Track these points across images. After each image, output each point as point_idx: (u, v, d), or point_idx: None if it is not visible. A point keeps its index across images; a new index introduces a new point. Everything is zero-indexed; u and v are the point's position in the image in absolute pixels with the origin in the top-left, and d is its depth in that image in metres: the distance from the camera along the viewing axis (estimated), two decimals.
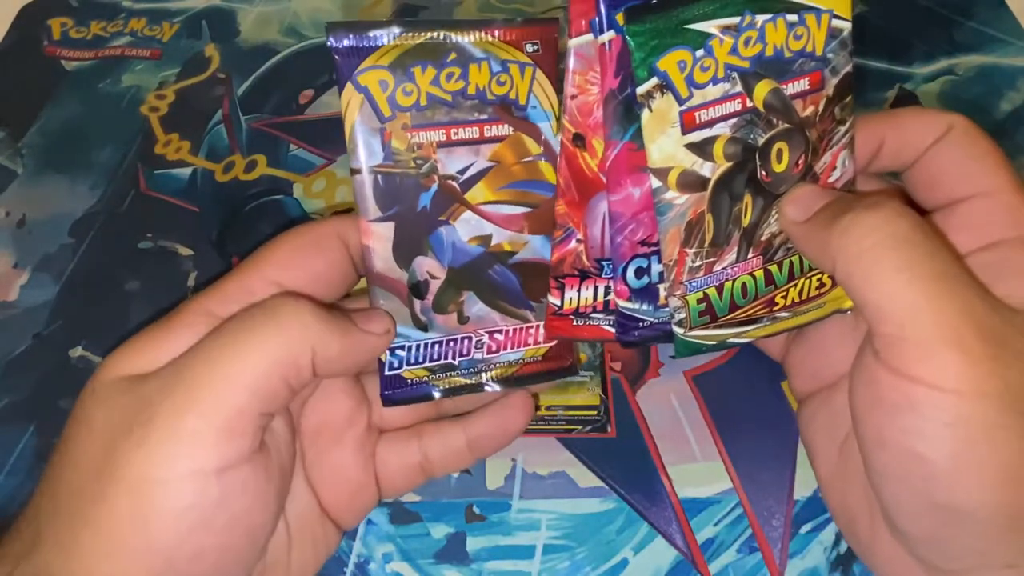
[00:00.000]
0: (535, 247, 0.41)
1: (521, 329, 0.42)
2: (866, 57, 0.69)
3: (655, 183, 0.36)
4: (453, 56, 0.37)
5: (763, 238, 0.38)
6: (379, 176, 0.38)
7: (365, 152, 0.37)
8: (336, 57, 0.36)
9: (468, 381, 0.42)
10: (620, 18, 0.34)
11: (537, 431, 0.51)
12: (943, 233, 0.36)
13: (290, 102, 0.69)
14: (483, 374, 0.42)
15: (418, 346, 0.40)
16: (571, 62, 0.36)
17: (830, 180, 0.39)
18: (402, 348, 0.40)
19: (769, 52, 0.35)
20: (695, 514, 0.48)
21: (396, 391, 0.41)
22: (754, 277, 0.39)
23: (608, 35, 0.35)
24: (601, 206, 0.38)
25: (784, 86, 0.36)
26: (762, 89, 0.36)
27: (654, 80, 0.34)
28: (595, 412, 0.51)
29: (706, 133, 0.35)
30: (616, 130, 0.36)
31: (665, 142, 0.35)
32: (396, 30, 0.37)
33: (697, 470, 0.49)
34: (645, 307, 0.40)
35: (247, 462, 0.34)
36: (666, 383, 0.53)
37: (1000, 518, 0.31)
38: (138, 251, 0.60)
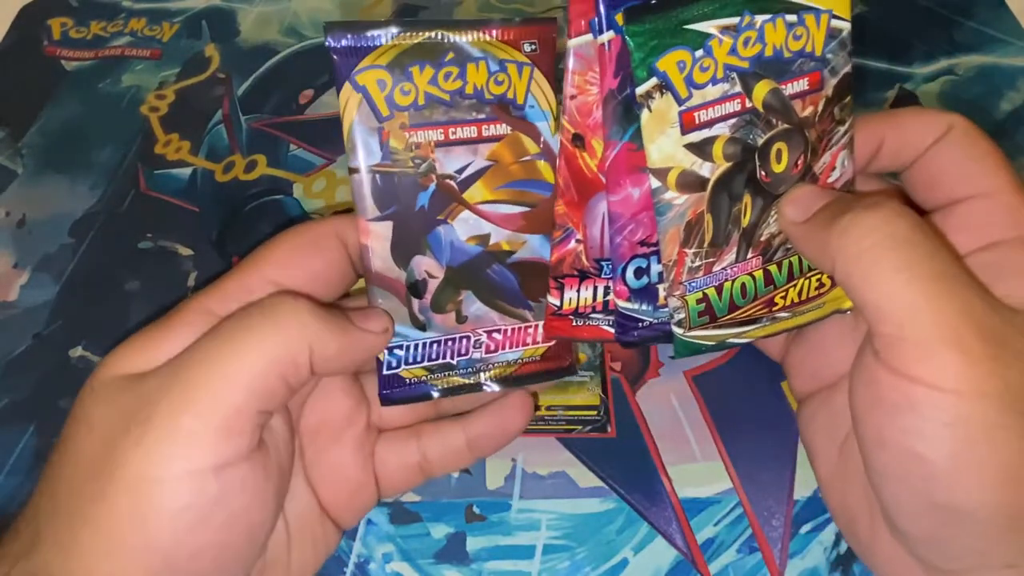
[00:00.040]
0: (533, 246, 0.41)
1: (520, 329, 0.42)
2: (866, 57, 0.69)
3: (654, 183, 0.36)
4: (451, 56, 0.37)
5: (762, 238, 0.38)
6: (377, 175, 0.38)
7: (363, 151, 0.37)
8: (334, 57, 0.36)
9: (467, 381, 0.42)
10: (619, 18, 0.34)
11: (537, 431, 0.51)
12: (942, 233, 0.36)
13: (290, 102, 0.69)
14: (482, 374, 0.42)
15: (416, 345, 0.40)
16: (570, 62, 0.36)
17: (829, 180, 0.39)
18: (400, 347, 0.40)
19: (768, 52, 0.35)
20: (695, 514, 0.48)
21: (394, 390, 0.41)
22: (753, 277, 0.39)
23: (607, 35, 0.35)
24: (600, 206, 0.38)
25: (783, 86, 0.36)
26: (761, 89, 0.36)
27: (653, 80, 0.34)
28: (595, 412, 0.51)
29: (705, 133, 0.35)
30: (615, 130, 0.36)
31: (664, 142, 0.35)
32: (394, 30, 0.37)
33: (697, 470, 0.49)
34: (644, 307, 0.40)
35: (245, 460, 0.34)
36: (666, 383, 0.53)
37: (1000, 518, 0.31)
38: (138, 251, 0.60)
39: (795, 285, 0.39)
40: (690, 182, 0.36)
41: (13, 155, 0.66)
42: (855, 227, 0.33)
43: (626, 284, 0.39)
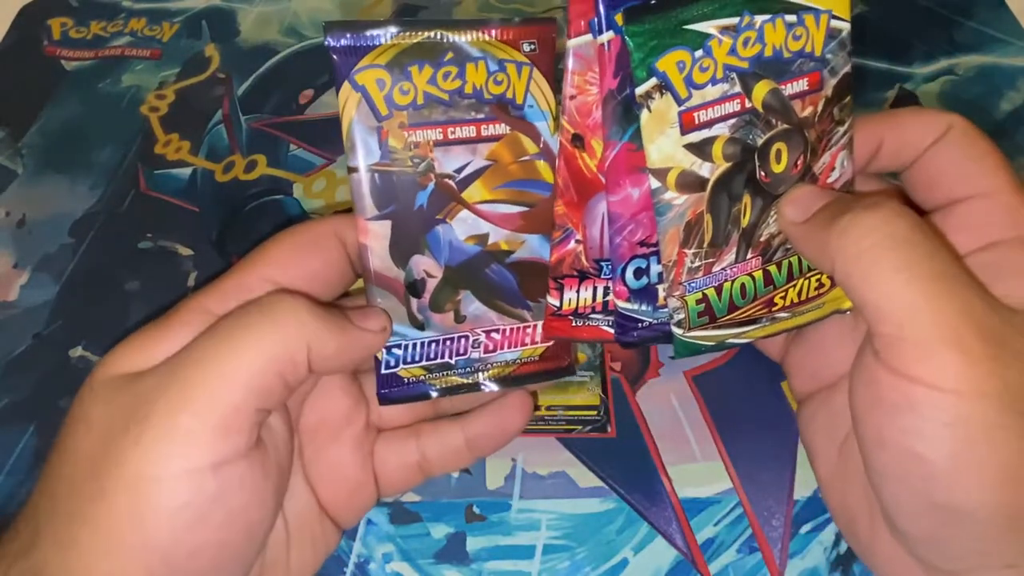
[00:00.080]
0: (532, 246, 0.41)
1: (518, 328, 0.42)
2: (866, 57, 0.69)
3: (654, 183, 0.36)
4: (450, 55, 0.37)
5: (762, 239, 0.38)
6: (376, 175, 0.38)
7: (362, 150, 0.37)
8: (333, 56, 0.36)
9: (465, 380, 0.42)
10: (619, 18, 0.34)
11: (537, 431, 0.51)
12: (942, 233, 0.37)
13: (290, 102, 0.69)
14: (480, 373, 0.42)
15: (415, 345, 0.40)
16: (570, 62, 0.36)
17: (829, 180, 0.39)
18: (399, 347, 0.40)
19: (768, 52, 0.35)
20: (695, 514, 0.48)
21: (392, 390, 0.41)
22: (753, 278, 0.38)
23: (607, 35, 0.35)
24: (600, 207, 0.38)
25: (783, 86, 0.36)
26: (761, 89, 0.36)
27: (653, 80, 0.34)
28: (595, 412, 0.51)
29: (705, 133, 0.35)
30: (615, 130, 0.36)
31: (664, 142, 0.35)
32: (393, 29, 0.37)
33: (697, 470, 0.49)
34: (644, 308, 0.40)
35: (244, 458, 0.34)
36: (666, 383, 0.53)
37: (999, 518, 0.31)
38: (138, 251, 0.60)
39: (795, 285, 0.39)
40: (690, 182, 0.36)
41: (13, 155, 0.66)
42: (855, 227, 0.33)
43: (626, 284, 0.39)
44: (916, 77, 0.68)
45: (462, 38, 0.38)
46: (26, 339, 0.56)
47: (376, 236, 0.38)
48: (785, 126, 0.36)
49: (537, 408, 0.51)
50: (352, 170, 0.38)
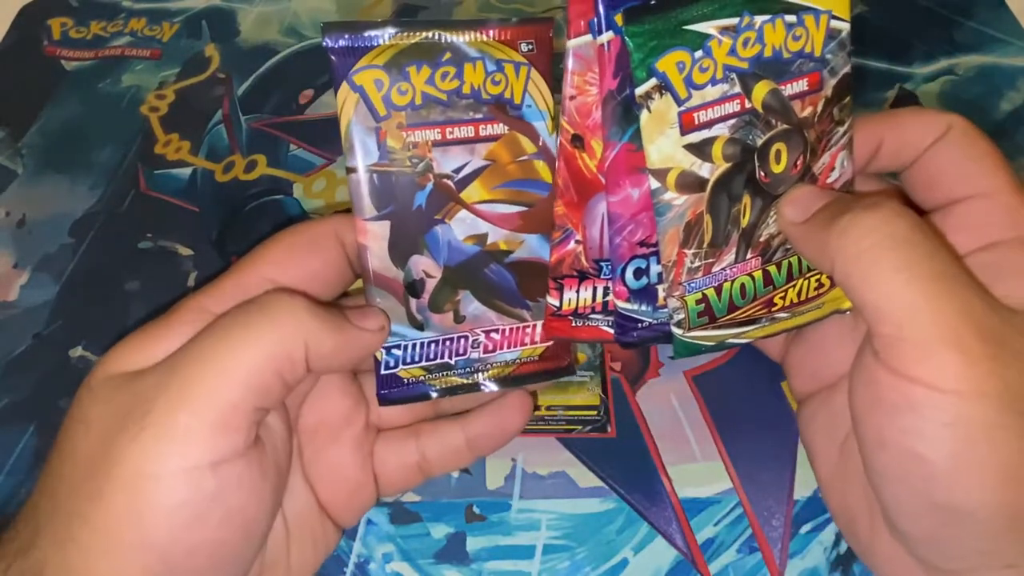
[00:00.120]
0: (531, 246, 0.41)
1: (518, 328, 0.42)
2: (866, 57, 0.69)
3: (654, 184, 0.36)
4: (448, 56, 0.38)
5: (762, 239, 0.38)
6: (375, 175, 0.38)
7: (361, 151, 0.38)
8: (332, 57, 0.37)
9: (465, 381, 0.42)
10: (619, 19, 0.34)
11: (537, 431, 0.51)
12: (942, 233, 0.36)
13: (290, 102, 0.69)
14: (480, 373, 0.42)
15: (414, 345, 0.40)
16: (570, 63, 0.36)
17: (829, 181, 0.39)
18: (398, 347, 0.40)
19: (768, 53, 0.35)
20: (695, 514, 0.48)
21: (392, 390, 0.41)
22: (753, 278, 0.38)
23: (607, 36, 0.35)
24: (600, 207, 0.38)
25: (783, 87, 0.36)
26: (761, 90, 0.36)
27: (653, 81, 0.34)
28: (595, 412, 0.51)
29: (705, 134, 0.35)
30: (615, 131, 0.36)
31: (664, 143, 0.35)
32: (391, 30, 0.37)
33: (697, 470, 0.49)
34: (644, 308, 0.40)
35: (242, 457, 0.34)
36: (666, 383, 0.53)
37: (1000, 518, 0.31)
38: (138, 251, 0.60)
39: (794, 285, 0.39)
40: (689, 183, 0.36)
41: (13, 155, 0.66)
42: (854, 227, 0.33)
43: (625, 285, 0.39)
44: (916, 77, 0.68)
45: (460, 38, 0.38)
46: (26, 339, 0.56)
47: (375, 236, 0.38)
48: (785, 126, 0.36)
49: (537, 408, 0.51)
50: (351, 170, 0.38)
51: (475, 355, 0.42)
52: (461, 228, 0.40)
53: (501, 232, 0.40)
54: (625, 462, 0.50)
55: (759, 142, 0.36)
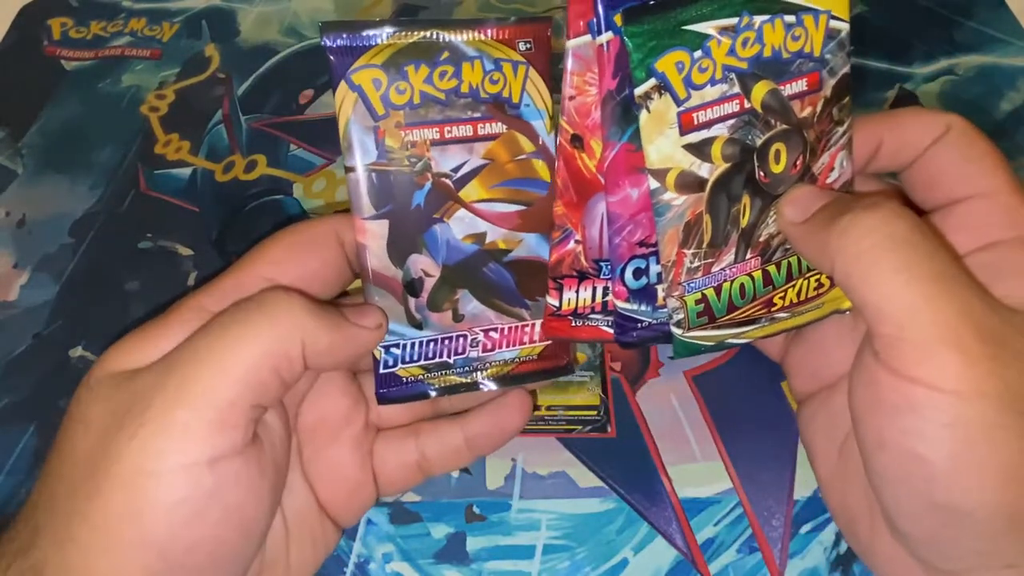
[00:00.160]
0: (530, 245, 0.41)
1: (517, 327, 0.42)
2: (866, 57, 0.69)
3: (653, 184, 0.36)
4: (446, 55, 0.38)
5: (761, 239, 0.38)
6: (373, 174, 0.38)
7: (359, 150, 0.38)
8: (330, 56, 0.37)
9: (463, 380, 0.42)
10: (618, 19, 0.34)
11: (537, 431, 0.51)
12: (941, 234, 0.36)
13: (290, 102, 0.69)
14: (478, 372, 0.42)
15: (413, 344, 0.40)
16: (569, 63, 0.36)
17: (828, 181, 0.39)
18: (397, 346, 0.40)
19: (767, 53, 0.35)
20: (695, 514, 0.48)
21: (391, 389, 0.41)
22: (752, 278, 0.38)
23: (606, 36, 0.35)
24: (599, 207, 0.38)
25: (782, 87, 0.36)
26: (760, 90, 0.36)
27: (652, 81, 0.34)
28: (595, 412, 0.51)
29: (704, 134, 0.35)
30: (614, 131, 0.36)
31: (663, 143, 0.35)
32: (389, 29, 0.37)
33: (697, 470, 0.49)
34: (643, 308, 0.39)
35: (239, 454, 0.34)
36: (666, 383, 0.53)
37: (1000, 518, 0.31)
38: (138, 251, 0.60)
39: (794, 285, 0.39)
40: (689, 183, 0.36)
41: (13, 155, 0.66)
42: (854, 227, 0.33)
43: (625, 285, 0.39)
44: (916, 77, 0.68)
45: (458, 37, 0.38)
46: (26, 339, 0.56)
47: (374, 235, 0.39)
48: (784, 126, 0.36)
49: (537, 408, 0.51)
50: (349, 170, 0.38)
51: (474, 354, 0.42)
52: (460, 227, 0.40)
53: (500, 231, 0.40)
54: (625, 462, 0.50)
55: (758, 142, 0.36)
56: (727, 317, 0.39)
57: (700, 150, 0.35)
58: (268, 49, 0.73)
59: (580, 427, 0.51)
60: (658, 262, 0.38)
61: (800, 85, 0.36)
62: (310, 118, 0.68)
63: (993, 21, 0.72)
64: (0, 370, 0.55)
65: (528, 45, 0.39)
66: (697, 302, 0.38)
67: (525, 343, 0.42)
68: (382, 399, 0.41)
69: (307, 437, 0.41)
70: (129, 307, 0.57)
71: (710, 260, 0.37)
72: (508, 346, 0.42)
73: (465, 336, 0.41)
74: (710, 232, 0.37)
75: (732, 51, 0.35)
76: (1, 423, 0.52)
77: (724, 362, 0.54)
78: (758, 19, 0.35)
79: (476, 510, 0.48)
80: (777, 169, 0.37)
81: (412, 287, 0.40)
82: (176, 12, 0.77)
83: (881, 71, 0.69)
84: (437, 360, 0.41)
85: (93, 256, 0.60)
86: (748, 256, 0.38)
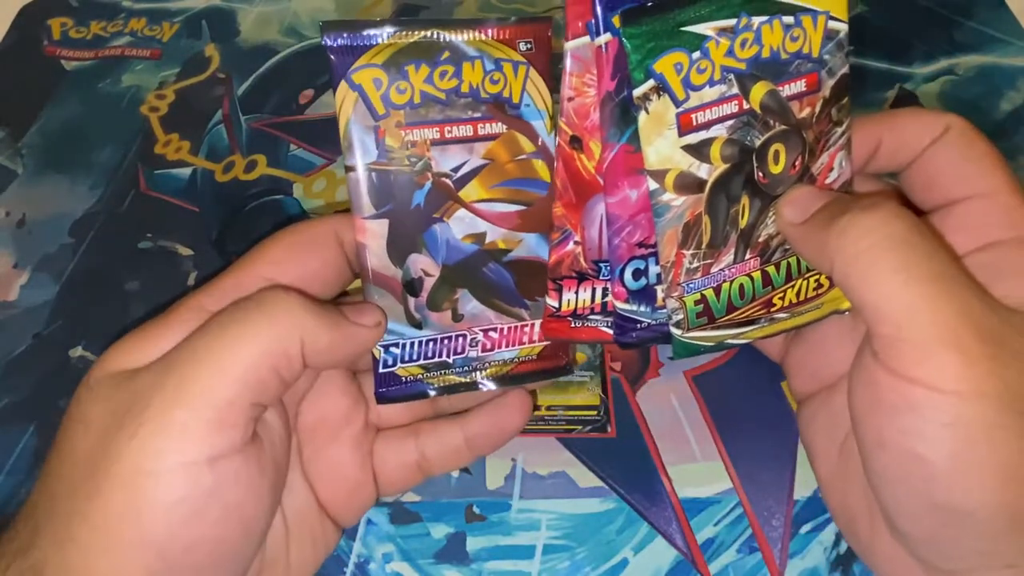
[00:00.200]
0: (530, 245, 0.41)
1: (516, 327, 0.42)
2: (866, 57, 0.69)
3: (652, 185, 0.36)
4: (447, 55, 0.38)
5: (760, 239, 0.38)
6: (373, 173, 0.38)
7: (359, 150, 0.38)
8: (331, 56, 0.37)
9: (463, 379, 0.42)
10: (616, 20, 0.34)
11: (537, 431, 0.51)
12: (940, 234, 0.36)
13: (290, 102, 0.69)
14: (478, 372, 0.42)
15: (412, 344, 0.41)
16: (568, 64, 0.36)
17: (827, 181, 0.39)
18: (396, 345, 0.40)
19: (765, 54, 0.35)
20: (695, 514, 0.48)
21: (390, 389, 0.41)
22: (752, 278, 0.38)
23: (604, 37, 0.35)
24: (598, 208, 0.38)
25: (781, 88, 0.36)
26: (759, 91, 0.36)
27: (651, 82, 0.34)
28: (595, 412, 0.51)
29: (703, 135, 0.35)
30: (613, 132, 0.36)
31: (662, 144, 0.35)
32: (390, 29, 0.37)
33: (697, 470, 0.49)
34: (643, 308, 0.40)
35: (239, 453, 0.34)
36: (666, 383, 0.53)
37: (1000, 518, 0.31)
38: (138, 251, 0.61)
39: (793, 286, 0.39)
40: (688, 184, 0.36)
41: (13, 155, 0.66)
42: (853, 228, 0.33)
43: (624, 285, 0.39)
44: (916, 77, 0.68)
45: (458, 37, 0.38)
46: (26, 339, 0.56)
47: (373, 235, 0.39)
48: (783, 127, 0.36)
49: (537, 408, 0.51)
50: (349, 169, 0.38)
51: (473, 354, 0.42)
52: (459, 227, 0.40)
53: (499, 231, 0.40)
54: (625, 462, 0.50)
55: (757, 143, 0.36)
56: (726, 318, 0.39)
57: (699, 151, 0.35)
58: (268, 49, 0.73)
59: (580, 427, 0.51)
60: (657, 263, 0.38)
61: (799, 86, 0.36)
62: (310, 118, 0.68)
63: (993, 21, 0.72)
64: (0, 370, 0.55)
65: (529, 45, 0.39)
66: (696, 303, 0.38)
67: (524, 343, 0.42)
68: (381, 398, 0.41)
69: (307, 436, 0.41)
70: (129, 307, 0.58)
71: (709, 261, 0.37)
72: (507, 346, 0.42)
73: (464, 336, 0.41)
74: (709, 233, 0.37)
75: (730, 52, 0.35)
76: (1, 423, 0.52)
77: (724, 362, 0.54)
78: (756, 20, 0.35)
79: (476, 510, 0.48)
80: (776, 170, 0.37)
81: (412, 287, 0.40)
82: (176, 12, 0.77)
83: (881, 71, 0.69)
84: (436, 360, 0.41)
85: (93, 256, 0.60)
86: (747, 257, 0.38)
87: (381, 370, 0.41)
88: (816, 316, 0.40)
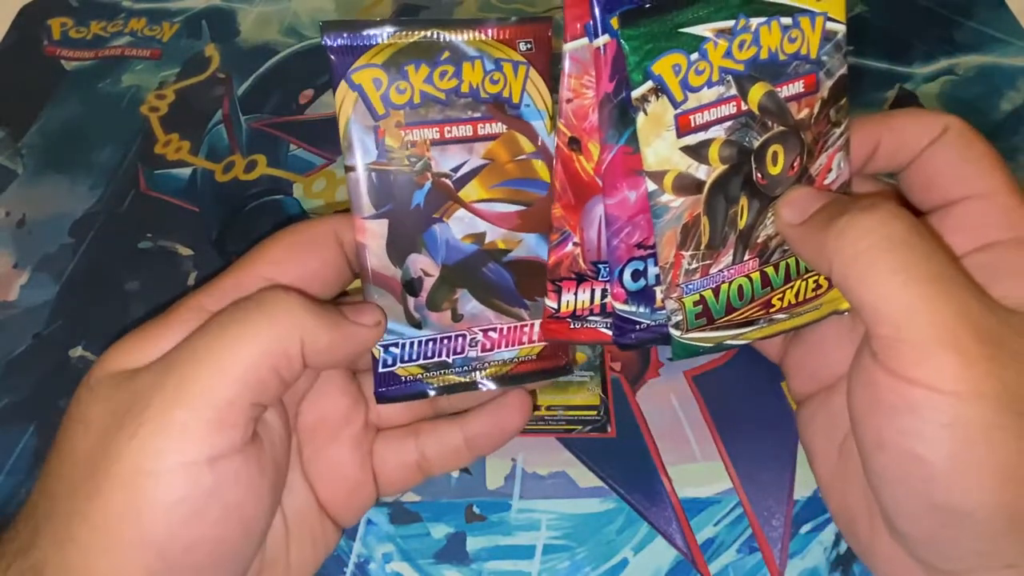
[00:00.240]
0: (529, 245, 0.41)
1: (515, 327, 0.42)
2: (866, 57, 0.69)
3: (651, 186, 0.36)
4: (447, 55, 0.38)
5: (759, 240, 0.38)
6: (373, 173, 0.38)
7: (359, 150, 0.38)
8: (331, 56, 0.37)
9: (462, 379, 0.42)
10: (615, 22, 0.34)
11: (537, 431, 0.51)
12: (939, 234, 0.36)
13: (290, 102, 0.69)
14: (477, 372, 0.42)
15: (412, 343, 0.41)
16: (566, 66, 0.36)
17: (826, 182, 0.39)
18: (396, 345, 0.40)
19: (763, 55, 0.35)
20: (695, 514, 0.48)
21: (390, 388, 0.41)
22: (750, 279, 0.39)
23: (603, 39, 0.35)
24: (597, 209, 0.38)
25: (779, 89, 0.36)
26: (757, 92, 0.36)
27: (649, 84, 0.34)
28: (595, 412, 0.51)
29: (701, 136, 0.35)
30: (611, 134, 0.36)
31: (660, 145, 0.35)
32: (390, 29, 0.37)
33: (697, 470, 0.49)
34: (642, 310, 0.40)
35: (239, 453, 0.34)
36: (666, 383, 0.53)
37: (999, 518, 0.31)
38: (138, 251, 0.61)
39: (792, 287, 0.39)
40: (686, 185, 0.36)
41: (13, 155, 0.66)
42: (852, 229, 0.33)
43: (623, 287, 0.39)
44: (916, 77, 0.68)
45: (458, 37, 0.38)
46: (26, 339, 0.56)
47: (373, 235, 0.39)
48: (781, 128, 0.36)
49: (537, 408, 0.51)
50: (349, 169, 0.38)
51: (473, 354, 0.42)
52: (459, 227, 0.40)
53: (499, 231, 0.40)
54: (625, 462, 0.50)
55: (756, 144, 0.36)
56: (725, 318, 0.39)
57: (697, 152, 0.35)
58: (268, 49, 0.73)
59: (580, 427, 0.51)
60: (656, 264, 0.38)
61: (797, 87, 0.36)
62: (310, 118, 0.68)
63: (993, 21, 0.72)
64: (0, 370, 0.55)
65: (529, 45, 0.39)
66: (695, 303, 0.38)
67: (524, 343, 0.42)
68: (381, 398, 0.41)
69: (307, 436, 0.41)
70: (129, 307, 0.58)
71: (708, 262, 0.37)
72: (507, 346, 0.42)
73: (464, 336, 0.41)
74: (708, 234, 0.37)
75: (729, 53, 0.35)
76: (1, 423, 0.53)
77: (724, 362, 0.54)
78: (754, 21, 0.35)
79: (476, 510, 0.48)
80: (774, 171, 0.37)
81: (411, 287, 0.40)
82: (176, 12, 0.77)
83: (881, 71, 0.69)
84: (436, 359, 0.41)
85: (93, 256, 0.60)
86: (746, 257, 0.38)
87: (381, 370, 0.41)
88: (815, 317, 0.40)
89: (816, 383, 0.42)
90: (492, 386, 0.43)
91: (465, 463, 0.46)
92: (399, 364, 0.41)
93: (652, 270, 0.39)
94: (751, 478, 0.49)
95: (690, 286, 0.38)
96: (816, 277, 0.39)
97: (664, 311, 0.39)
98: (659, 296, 0.39)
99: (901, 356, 0.32)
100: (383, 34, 0.37)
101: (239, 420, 0.34)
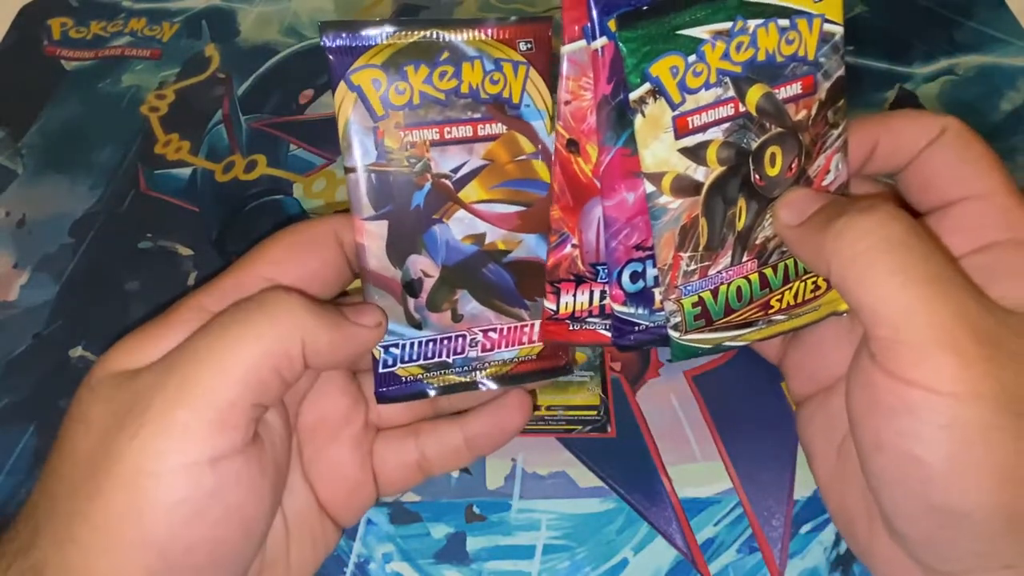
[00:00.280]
0: (529, 246, 0.41)
1: (515, 328, 0.42)
2: (866, 57, 0.69)
3: (649, 188, 0.36)
4: (446, 55, 0.38)
5: (757, 242, 0.38)
6: (373, 174, 0.38)
7: (359, 151, 0.38)
8: (330, 56, 0.37)
9: (462, 379, 0.42)
10: (612, 24, 0.34)
11: (537, 431, 0.51)
12: (937, 236, 0.36)
13: (290, 102, 0.69)
14: (477, 372, 0.42)
15: (412, 344, 0.41)
16: (564, 68, 0.36)
17: (824, 183, 0.39)
18: (396, 346, 0.40)
19: (761, 57, 0.35)
20: (695, 514, 0.48)
21: (390, 388, 0.41)
22: (749, 280, 0.39)
23: (601, 41, 0.35)
24: (596, 211, 0.38)
25: (776, 90, 0.36)
26: (754, 94, 0.36)
27: (647, 86, 0.34)
28: (595, 412, 0.51)
29: (699, 138, 0.35)
30: (610, 135, 0.36)
31: (658, 147, 0.35)
32: (389, 29, 0.37)
33: (697, 470, 0.49)
34: (641, 311, 0.40)
35: (240, 454, 0.34)
36: (666, 383, 0.53)
37: (997, 519, 0.31)
38: (138, 251, 0.61)
39: (791, 288, 0.39)
40: (684, 186, 0.36)
41: (13, 155, 0.66)
42: (850, 230, 0.33)
43: (622, 288, 0.39)
44: (916, 77, 0.68)
45: (458, 37, 0.38)
46: (26, 339, 0.56)
47: (373, 236, 0.39)
48: (779, 130, 0.36)
49: (537, 408, 0.51)
50: (349, 170, 0.38)
51: (473, 354, 0.42)
52: (459, 227, 0.40)
53: (499, 232, 0.40)
54: (625, 462, 0.50)
55: (754, 145, 0.36)
56: (724, 320, 0.39)
57: (695, 154, 0.35)
58: (268, 49, 0.73)
59: (580, 427, 0.51)
60: (655, 265, 0.38)
61: (795, 88, 0.36)
62: (310, 118, 0.68)
63: (993, 21, 0.72)
64: (0, 370, 0.55)
65: (529, 45, 0.39)
66: (694, 305, 0.38)
67: (524, 343, 0.42)
68: (381, 398, 0.41)
69: (307, 437, 0.41)
70: (129, 307, 0.58)
71: (707, 263, 0.38)
72: (507, 346, 0.42)
73: (464, 336, 0.41)
74: (706, 235, 0.37)
75: (726, 55, 0.35)
76: (1, 423, 0.53)
77: (724, 362, 0.54)
78: (752, 23, 0.35)
79: (476, 510, 0.48)
80: (772, 172, 0.37)
81: (411, 287, 0.40)
82: (176, 12, 0.77)
83: (881, 71, 0.68)
84: (436, 360, 0.41)
85: (93, 256, 0.60)
86: (745, 259, 0.38)
87: (381, 370, 0.41)
88: (814, 318, 0.40)
89: (815, 384, 0.42)
90: (492, 386, 0.43)
91: (465, 463, 0.46)
92: (399, 364, 0.41)
93: (651, 272, 0.39)
94: (751, 478, 0.49)
95: (689, 287, 0.38)
96: (815, 278, 0.39)
97: (663, 313, 0.39)
98: (658, 298, 0.39)
99: (899, 357, 0.32)
100: (382, 34, 0.37)
101: (240, 421, 0.34)
